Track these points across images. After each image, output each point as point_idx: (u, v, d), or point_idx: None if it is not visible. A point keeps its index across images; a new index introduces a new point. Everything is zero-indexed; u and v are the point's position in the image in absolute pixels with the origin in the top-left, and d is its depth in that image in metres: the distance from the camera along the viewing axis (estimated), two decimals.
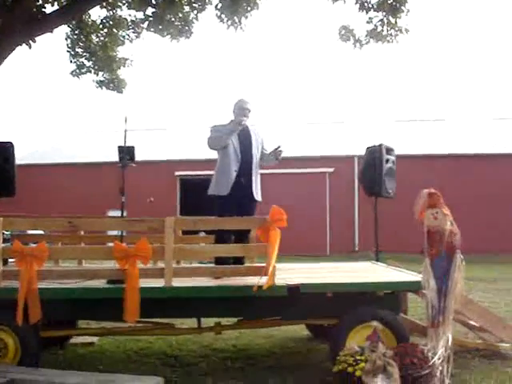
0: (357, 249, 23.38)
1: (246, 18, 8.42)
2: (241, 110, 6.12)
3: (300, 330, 7.22)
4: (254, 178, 6.05)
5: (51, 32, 6.50)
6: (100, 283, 5.20)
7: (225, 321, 5.87)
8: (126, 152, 5.43)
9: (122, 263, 4.94)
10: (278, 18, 78.06)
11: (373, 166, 7.53)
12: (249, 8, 8.22)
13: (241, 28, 8.56)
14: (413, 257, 8.96)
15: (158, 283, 5.00)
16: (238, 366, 5.84)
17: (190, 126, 30.31)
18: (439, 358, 4.89)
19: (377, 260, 7.50)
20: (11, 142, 7.15)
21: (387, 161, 7.55)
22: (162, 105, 65.93)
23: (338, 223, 24.10)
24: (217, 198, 5.99)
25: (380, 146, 7.54)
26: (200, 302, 5.22)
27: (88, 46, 10.90)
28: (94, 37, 10.72)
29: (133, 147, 5.59)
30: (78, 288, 4.99)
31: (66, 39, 11.14)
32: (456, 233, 5.19)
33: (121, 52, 11.30)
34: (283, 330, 7.12)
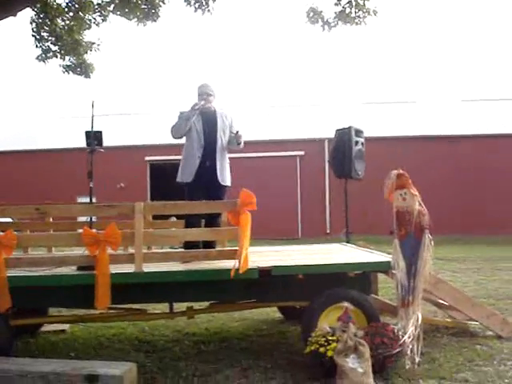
0: (328, 231, 23.58)
1: (214, 0, 8.37)
2: (201, 94, 6.09)
3: (272, 312, 7.27)
4: (218, 162, 6.01)
5: (14, 16, 6.35)
6: (70, 270, 5.15)
7: (197, 305, 5.88)
8: (94, 137, 5.35)
9: (91, 249, 4.89)
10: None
11: (342, 148, 7.58)
12: None
13: (208, 11, 8.49)
14: (384, 238, 9.10)
15: (129, 269, 4.97)
16: (212, 349, 5.86)
17: (160, 111, 30.02)
18: (409, 337, 4.97)
19: (347, 242, 7.57)
20: None
21: (356, 143, 7.61)
22: (131, 89, 65.15)
23: (310, 206, 24.26)
24: (184, 184, 5.98)
25: (349, 128, 7.60)
26: (171, 286, 5.20)
27: (53, 29, 10.65)
28: (59, 20, 10.48)
29: (100, 132, 5.52)
30: (48, 275, 4.93)
31: (30, 23, 10.87)
32: (424, 213, 5.26)
33: (88, 36, 11.14)
34: (256, 313, 7.16)
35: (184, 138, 6.11)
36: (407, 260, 5.21)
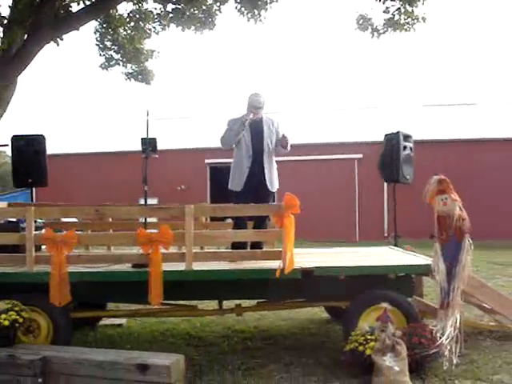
0: (386, 235, 23.41)
1: (266, 10, 8.64)
2: (250, 106, 6.30)
3: (320, 312, 7.47)
4: (266, 169, 6.22)
5: (77, 30, 6.82)
6: (126, 267, 5.53)
7: (245, 304, 6.17)
8: (149, 143, 5.72)
9: (145, 248, 5.27)
10: (297, 9, 78.77)
11: (390, 153, 7.71)
12: (268, 1, 8.44)
13: (260, 20, 8.77)
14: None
15: (180, 267, 5.30)
16: (258, 345, 6.14)
17: (219, 114, 30.56)
18: (447, 338, 5.10)
19: (395, 245, 7.69)
20: (43, 135, 7.56)
21: (405, 148, 7.72)
22: (190, 94, 66.77)
23: (368, 209, 24.17)
24: (233, 192, 6.25)
25: (397, 133, 7.71)
26: (220, 284, 5.51)
27: (116, 39, 11.22)
28: (121, 30, 11.05)
29: (154, 139, 5.89)
30: (104, 271, 5.33)
31: (94, 33, 11.50)
32: (464, 218, 5.37)
33: (148, 44, 11.66)
34: (303, 313, 7.38)
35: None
36: (448, 263, 5.34)
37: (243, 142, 6.22)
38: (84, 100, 70.74)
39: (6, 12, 6.64)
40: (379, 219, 23.95)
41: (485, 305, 6.38)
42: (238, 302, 6.13)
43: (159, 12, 10.55)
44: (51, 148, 28.70)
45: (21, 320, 5.12)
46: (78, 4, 7.22)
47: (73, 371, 4.78)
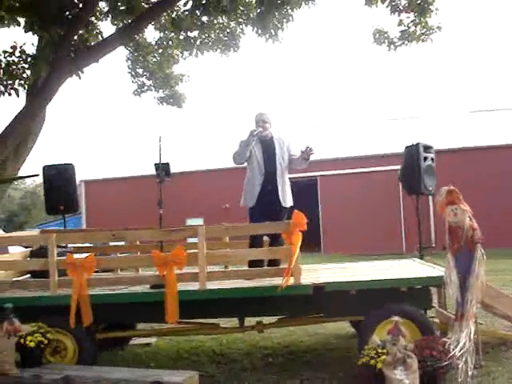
0: (434, 245, 23.04)
1: (282, 30, 8.81)
2: (257, 122, 6.49)
3: (347, 327, 7.48)
4: (280, 186, 6.36)
5: (97, 62, 7.17)
6: (144, 288, 5.74)
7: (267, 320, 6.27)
8: (162, 168, 5.94)
9: (160, 269, 5.47)
10: (311, 25, 79.93)
11: (411, 165, 7.71)
12: (284, 21, 8.61)
13: (277, 40, 8.95)
14: None
15: (194, 286, 5.47)
16: (278, 361, 6.23)
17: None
18: (460, 350, 5.06)
19: (421, 257, 7.65)
20: (72, 164, 7.91)
21: (425, 159, 7.70)
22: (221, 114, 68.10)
23: (413, 221, 23.84)
24: (248, 209, 6.40)
25: (417, 144, 7.71)
26: (237, 302, 5.63)
27: (146, 66, 11.63)
28: (150, 57, 11.43)
29: (168, 164, 6.11)
30: (123, 293, 5.55)
31: (126, 61, 11.95)
32: (475, 228, 5.34)
33: (177, 69, 12.02)
34: (330, 328, 7.41)
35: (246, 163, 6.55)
36: (460, 274, 5.31)
37: (255, 160, 6.38)
38: (123, 125, 72.88)
39: (30, 49, 7.08)
40: (425, 230, 23.58)
41: (510, 314, 6.28)
42: (259, 318, 6.26)
43: (185, 37, 10.85)
44: (101, 174, 29.37)
45: (46, 341, 5.38)
46: (96, 38, 7.61)
47: None
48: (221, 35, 10.34)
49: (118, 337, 6.60)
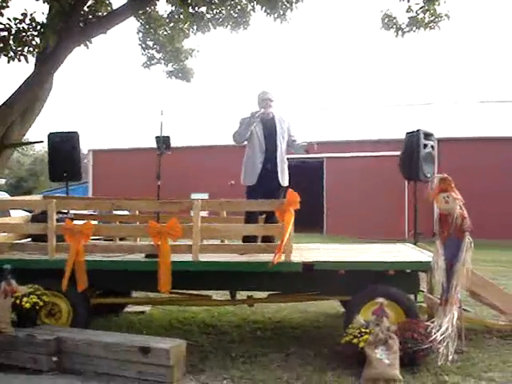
0: (435, 232, 23.07)
1: (292, 10, 8.82)
2: (262, 101, 6.54)
3: (338, 307, 7.62)
4: (279, 165, 6.43)
5: (105, 33, 7.24)
6: (139, 257, 5.89)
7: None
8: (163, 141, 6.05)
9: (155, 239, 5.61)
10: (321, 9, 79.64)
11: (410, 151, 7.77)
12: (293, 1, 8.62)
13: (285, 20, 8.97)
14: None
15: (188, 258, 5.61)
16: (267, 335, 6.40)
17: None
18: (442, 334, 5.19)
19: (415, 243, 7.74)
20: (77, 132, 8.02)
21: (425, 146, 7.75)
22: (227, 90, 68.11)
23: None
24: (246, 187, 6.50)
25: (418, 131, 7.76)
26: (230, 276, 5.78)
27: (157, 39, 11.66)
28: (161, 31, 11.46)
29: (168, 137, 6.22)
30: (118, 261, 5.71)
31: (137, 33, 11.98)
32: (465, 217, 5.44)
33: (187, 43, 12.04)
34: (320, 306, 7.55)
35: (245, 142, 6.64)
36: (448, 261, 5.43)
37: (256, 138, 6.45)
38: (131, 97, 72.92)
39: (39, 18, 7.16)
40: (428, 217, 23.63)
41: (496, 303, 6.39)
42: (251, 293, 6.41)
43: (194, 12, 10.86)
44: (109, 144, 29.39)
45: (41, 303, 5.55)
46: (106, 10, 7.66)
47: (84, 351, 5.19)
48: (231, 12, 10.35)
49: (112, 303, 6.80)
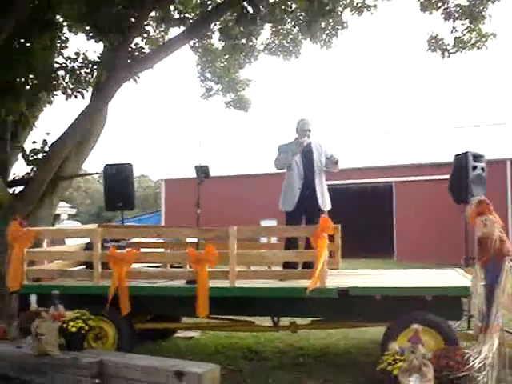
0: None
1: (337, 37, 8.93)
2: (301, 131, 6.67)
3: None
4: (318, 190, 6.52)
5: (151, 68, 7.61)
6: (180, 283, 6.07)
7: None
8: (201, 171, 6.26)
9: (195, 266, 5.78)
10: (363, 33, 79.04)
11: (459, 174, 7.62)
12: (338, 28, 8.72)
13: (330, 47, 9.07)
14: None
15: (225, 284, 5.73)
16: (308, 361, 6.39)
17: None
18: (481, 362, 5.02)
19: (466, 267, 7.53)
20: (130, 163, 8.39)
21: (474, 168, 7.58)
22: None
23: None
24: (285, 212, 6.59)
25: (466, 153, 7.60)
26: (266, 301, 5.84)
27: (214, 70, 12.06)
28: (218, 62, 11.84)
29: (207, 166, 6.42)
30: (159, 287, 5.91)
31: (196, 66, 12.44)
32: (504, 240, 5.28)
33: (243, 74, 12.37)
34: (368, 333, 7.44)
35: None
36: (487, 286, 5.27)
37: (294, 165, 6.57)
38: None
39: (91, 56, 7.66)
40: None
41: None
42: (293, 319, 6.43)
43: (251, 44, 11.18)
44: (180, 173, 29.94)
45: (87, 327, 5.79)
46: (151, 46, 8.06)
47: (124, 374, 5.38)
48: (283, 41, 10.60)
49: (163, 328, 7.01)
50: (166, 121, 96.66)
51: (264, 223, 26.31)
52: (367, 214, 26.42)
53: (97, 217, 48.88)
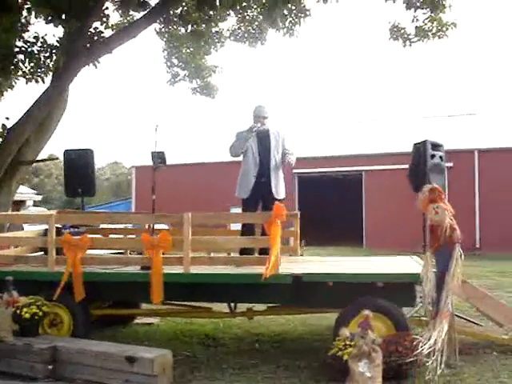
0: (478, 246, 22.51)
1: (300, 25, 8.92)
2: (256, 117, 6.68)
3: None
4: (273, 178, 6.56)
5: (110, 53, 7.51)
6: (134, 269, 6.05)
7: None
8: (157, 157, 6.23)
9: (148, 252, 5.76)
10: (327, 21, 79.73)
11: (417, 162, 7.69)
12: (301, 15, 8.71)
13: (293, 34, 9.06)
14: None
15: (179, 270, 5.72)
16: (264, 348, 6.42)
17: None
18: (429, 348, 5.09)
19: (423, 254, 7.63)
20: (91, 149, 8.29)
21: (433, 156, 7.65)
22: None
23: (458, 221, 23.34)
24: (241, 199, 6.60)
25: (425, 141, 7.67)
26: (221, 288, 5.85)
27: (180, 56, 11.98)
28: (184, 48, 11.76)
29: (163, 152, 6.38)
30: (112, 272, 5.88)
31: (162, 51, 12.33)
32: (455, 228, 5.36)
33: (211, 60, 12.31)
34: (327, 320, 7.50)
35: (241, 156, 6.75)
36: (438, 273, 5.35)
37: (250, 152, 6.57)
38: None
39: (50, 40, 7.54)
40: (470, 230, 23.07)
41: (493, 315, 6.23)
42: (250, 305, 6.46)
43: (217, 30, 11.13)
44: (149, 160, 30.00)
45: (40, 313, 5.75)
46: (112, 30, 7.95)
47: (76, 360, 5.36)
48: (249, 28, 10.57)
49: (122, 314, 7.00)
50: (140, 107, 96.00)
51: (234, 210, 26.32)
52: (339, 202, 26.65)
53: (69, 203, 48.35)
